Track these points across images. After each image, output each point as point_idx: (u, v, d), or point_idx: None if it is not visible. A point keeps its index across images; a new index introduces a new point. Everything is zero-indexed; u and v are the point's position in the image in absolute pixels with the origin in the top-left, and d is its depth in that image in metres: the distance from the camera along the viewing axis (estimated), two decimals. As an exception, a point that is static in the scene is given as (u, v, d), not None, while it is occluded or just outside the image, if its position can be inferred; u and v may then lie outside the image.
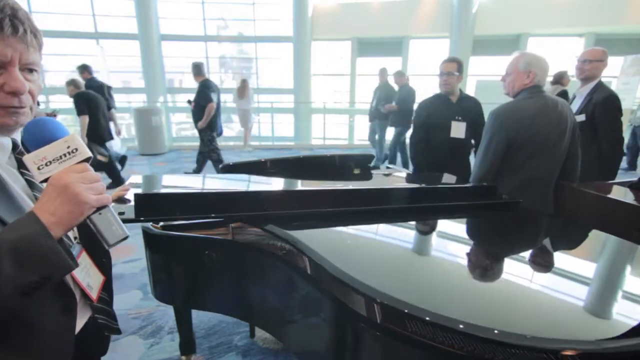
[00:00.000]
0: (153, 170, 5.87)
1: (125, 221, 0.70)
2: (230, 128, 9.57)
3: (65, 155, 0.59)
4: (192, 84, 4.78)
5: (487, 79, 10.15)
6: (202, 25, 13.45)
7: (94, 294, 0.76)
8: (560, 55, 12.65)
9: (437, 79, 2.57)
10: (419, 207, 1.42)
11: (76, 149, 0.59)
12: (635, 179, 1.91)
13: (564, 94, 4.00)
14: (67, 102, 4.68)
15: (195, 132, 4.86)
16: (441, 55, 12.55)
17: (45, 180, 0.58)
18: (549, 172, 1.87)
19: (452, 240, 1.30)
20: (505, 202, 1.57)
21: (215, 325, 2.09)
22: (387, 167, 2.51)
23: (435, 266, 1.09)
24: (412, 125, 2.67)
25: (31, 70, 0.65)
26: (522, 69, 1.84)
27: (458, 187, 1.72)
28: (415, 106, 3.63)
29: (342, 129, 10.56)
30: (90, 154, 0.61)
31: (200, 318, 2.11)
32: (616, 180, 2.13)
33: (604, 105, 2.22)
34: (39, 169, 0.58)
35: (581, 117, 2.27)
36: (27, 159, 0.58)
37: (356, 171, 1.93)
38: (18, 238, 0.53)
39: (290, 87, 13.46)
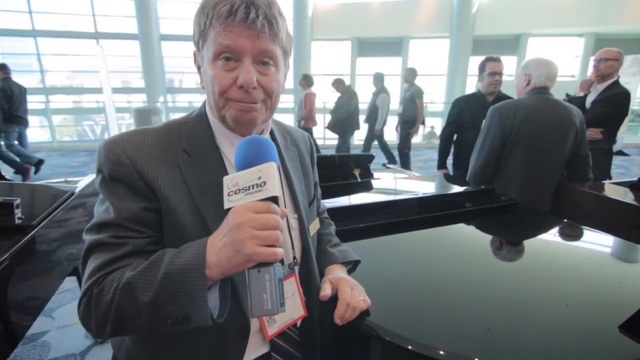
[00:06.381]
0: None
1: None
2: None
3: (253, 187, 0.51)
4: (192, 84, 4.77)
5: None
6: (202, 25, 13.47)
7: (272, 330, 0.66)
8: (560, 55, 12.71)
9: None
10: (416, 219, 1.41)
11: (264, 183, 0.50)
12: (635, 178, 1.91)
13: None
14: (67, 102, 4.70)
15: None
16: (441, 55, 12.57)
17: (229, 210, 0.52)
18: (547, 174, 1.88)
19: (457, 252, 1.29)
20: (504, 205, 1.57)
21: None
22: (387, 167, 2.50)
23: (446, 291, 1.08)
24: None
25: (265, 63, 0.61)
26: (520, 74, 1.93)
27: (456, 194, 1.71)
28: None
29: (342, 129, 10.52)
30: (278, 192, 0.51)
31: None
32: (617, 180, 2.13)
33: (611, 99, 2.32)
34: (228, 195, 0.52)
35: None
36: (225, 180, 0.53)
37: (356, 171, 1.92)
38: (180, 264, 0.51)
39: (290, 87, 13.46)
